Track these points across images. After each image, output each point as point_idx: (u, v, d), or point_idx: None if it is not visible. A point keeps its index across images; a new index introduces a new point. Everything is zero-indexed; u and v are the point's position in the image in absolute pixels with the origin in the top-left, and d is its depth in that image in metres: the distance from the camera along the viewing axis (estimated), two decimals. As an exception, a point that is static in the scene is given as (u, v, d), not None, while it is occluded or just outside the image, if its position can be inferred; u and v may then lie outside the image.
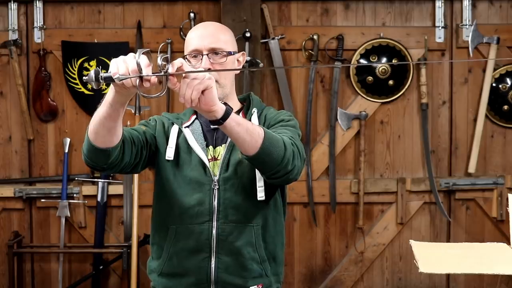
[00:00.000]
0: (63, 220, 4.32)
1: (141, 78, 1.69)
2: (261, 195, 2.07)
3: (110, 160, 1.95)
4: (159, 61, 1.70)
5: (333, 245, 4.55)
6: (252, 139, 1.86)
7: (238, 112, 2.17)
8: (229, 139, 2.11)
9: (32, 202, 4.41)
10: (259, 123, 2.14)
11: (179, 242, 2.10)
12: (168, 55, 1.71)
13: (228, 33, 2.17)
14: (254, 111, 2.17)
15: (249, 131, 1.85)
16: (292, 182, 2.02)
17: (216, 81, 2.06)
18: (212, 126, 2.11)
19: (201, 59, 2.08)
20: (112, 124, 1.86)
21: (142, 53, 1.69)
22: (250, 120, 2.12)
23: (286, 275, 4.48)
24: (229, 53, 2.12)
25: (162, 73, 1.70)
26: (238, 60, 2.19)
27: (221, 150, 2.12)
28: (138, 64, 1.68)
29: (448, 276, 4.54)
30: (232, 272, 2.09)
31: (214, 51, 2.10)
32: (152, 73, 1.70)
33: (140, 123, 2.20)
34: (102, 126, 1.86)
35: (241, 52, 2.22)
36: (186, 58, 2.11)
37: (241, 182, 2.08)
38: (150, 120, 2.22)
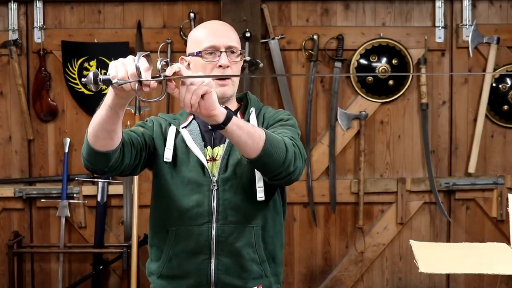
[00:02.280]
0: (63, 220, 4.32)
1: (140, 82, 1.67)
2: (260, 195, 2.06)
3: (111, 163, 1.94)
4: (159, 65, 1.68)
5: (333, 245, 4.55)
6: (253, 142, 1.85)
7: (236, 112, 2.17)
8: (227, 139, 2.09)
9: (32, 202, 4.41)
10: (258, 123, 2.13)
11: (179, 244, 2.08)
12: (168, 59, 1.70)
13: (237, 34, 2.18)
14: (252, 110, 2.15)
15: (250, 134, 1.84)
16: (294, 182, 2.02)
17: (230, 78, 2.10)
18: (209, 126, 2.10)
19: (218, 56, 2.08)
20: (112, 126, 1.84)
21: (142, 56, 1.67)
22: (248, 120, 2.12)
23: (286, 275, 4.48)
24: (242, 53, 2.14)
25: (161, 77, 1.68)
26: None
27: (220, 150, 2.10)
28: (137, 68, 1.66)
29: (448, 276, 4.54)
30: (232, 273, 2.07)
31: (230, 50, 2.10)
32: (152, 78, 1.67)
33: (137, 124, 2.19)
34: (102, 129, 1.84)
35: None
36: (200, 54, 2.10)
37: (240, 183, 2.07)
38: (147, 121, 2.20)
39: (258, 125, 2.11)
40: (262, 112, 2.18)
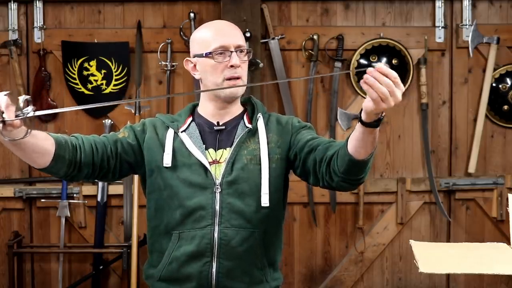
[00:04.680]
0: (63, 220, 4.32)
1: (3, 122, 1.66)
2: (265, 201, 2.04)
3: (63, 173, 1.99)
4: (21, 103, 1.68)
5: (333, 245, 4.55)
6: (374, 143, 1.84)
7: (241, 115, 2.15)
8: (234, 143, 2.08)
9: (32, 202, 4.41)
10: (268, 129, 2.12)
11: (181, 247, 2.06)
12: (29, 96, 1.72)
13: (242, 32, 2.17)
14: (260, 116, 2.13)
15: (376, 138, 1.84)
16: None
17: (241, 78, 2.08)
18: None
19: (229, 56, 2.06)
20: (23, 152, 1.89)
21: (3, 95, 1.66)
22: (256, 125, 2.11)
23: (286, 275, 4.48)
24: (249, 51, 2.12)
25: (28, 114, 1.69)
26: None
27: (226, 153, 2.08)
28: None
29: (448, 276, 4.54)
30: (233, 277, 2.06)
31: (239, 49, 2.08)
32: (16, 116, 1.67)
33: (125, 127, 2.16)
34: (19, 155, 1.91)
35: None
36: (211, 55, 2.07)
37: (245, 187, 2.05)
38: (138, 126, 2.16)
39: (271, 133, 2.12)
40: (271, 118, 2.16)
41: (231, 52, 2.06)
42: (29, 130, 1.74)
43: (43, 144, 1.91)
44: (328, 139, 2.06)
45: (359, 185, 1.98)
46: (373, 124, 1.77)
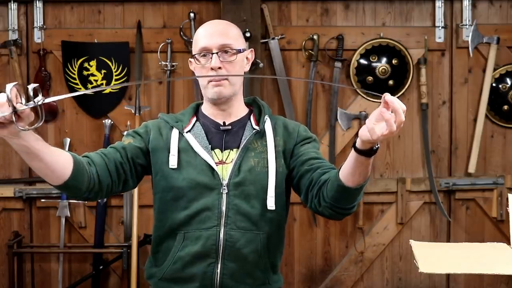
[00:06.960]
0: (63, 220, 4.32)
1: (16, 113, 1.61)
2: (271, 204, 2.05)
3: (85, 188, 1.92)
4: (31, 91, 1.64)
5: (333, 245, 4.55)
6: (368, 172, 1.85)
7: (247, 117, 2.15)
8: (242, 144, 2.07)
9: (32, 202, 4.41)
10: (275, 133, 2.11)
11: (186, 248, 2.05)
12: (37, 85, 1.69)
13: (236, 30, 2.14)
14: (267, 118, 2.13)
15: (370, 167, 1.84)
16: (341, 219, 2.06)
17: (227, 79, 2.06)
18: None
19: (211, 58, 2.05)
20: (40, 164, 1.79)
21: (13, 86, 1.62)
22: (263, 127, 2.10)
23: (286, 275, 4.48)
24: (239, 51, 2.08)
25: (37, 103, 1.64)
26: (247, 58, 2.16)
27: (233, 154, 2.07)
28: (10, 100, 1.61)
29: (448, 276, 4.54)
30: (237, 278, 2.06)
31: (223, 49, 2.06)
32: (26, 104, 1.62)
33: (127, 134, 2.14)
34: (35, 168, 1.81)
35: (250, 50, 2.18)
36: (195, 57, 2.09)
37: (252, 190, 2.04)
38: (141, 128, 2.15)
39: (278, 136, 2.11)
40: (278, 122, 2.16)
41: (212, 54, 2.05)
42: (41, 119, 1.68)
43: (59, 152, 1.86)
44: (330, 164, 2.07)
45: (345, 216, 1.98)
46: (367, 152, 1.78)
